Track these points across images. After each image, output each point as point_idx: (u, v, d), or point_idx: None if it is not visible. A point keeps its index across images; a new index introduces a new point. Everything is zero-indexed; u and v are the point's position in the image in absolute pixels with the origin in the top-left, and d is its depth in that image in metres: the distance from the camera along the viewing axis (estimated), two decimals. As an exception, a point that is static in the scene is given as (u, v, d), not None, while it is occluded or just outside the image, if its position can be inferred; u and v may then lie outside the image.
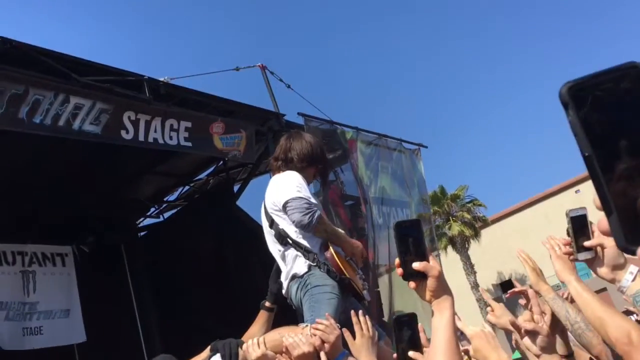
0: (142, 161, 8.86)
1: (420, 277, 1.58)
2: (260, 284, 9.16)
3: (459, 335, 2.92)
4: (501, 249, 34.10)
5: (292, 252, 3.75)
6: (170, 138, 7.35)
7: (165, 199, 10.59)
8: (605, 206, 0.66)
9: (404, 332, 2.01)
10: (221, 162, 9.71)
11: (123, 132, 7.02)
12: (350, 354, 2.46)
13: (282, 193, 3.76)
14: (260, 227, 9.53)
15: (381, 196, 10.04)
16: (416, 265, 1.56)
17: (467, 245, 33.20)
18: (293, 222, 3.67)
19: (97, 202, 9.41)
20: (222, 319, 9.35)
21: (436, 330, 1.56)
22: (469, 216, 33.79)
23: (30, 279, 8.51)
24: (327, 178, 4.29)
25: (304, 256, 3.67)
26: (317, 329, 2.54)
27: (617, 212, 0.65)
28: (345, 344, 2.48)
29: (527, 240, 33.79)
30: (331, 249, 3.68)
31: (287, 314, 3.90)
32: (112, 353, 9.32)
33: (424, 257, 1.57)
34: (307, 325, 2.75)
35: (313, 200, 3.73)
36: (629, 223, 0.64)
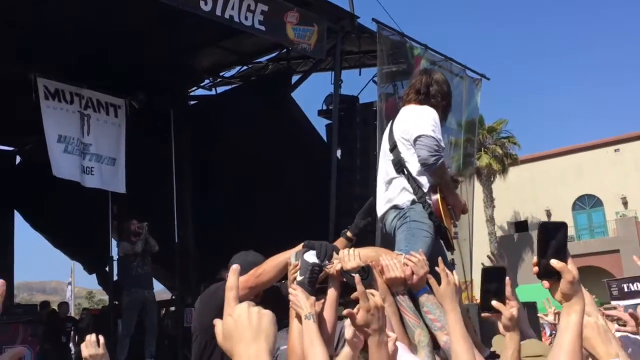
0: (210, 31, 8.77)
1: (555, 278, 1.63)
2: (296, 182, 9.41)
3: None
4: (524, 190, 34.06)
5: (402, 181, 3.78)
6: (246, 18, 7.30)
7: (221, 74, 10.61)
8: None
9: (491, 283, 2.11)
10: (284, 49, 9.64)
11: (202, 3, 6.98)
12: (430, 291, 2.57)
13: (417, 126, 3.73)
14: (308, 123, 9.66)
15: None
16: (554, 262, 1.61)
17: (492, 179, 33.13)
18: (419, 157, 3.68)
19: (154, 62, 9.46)
20: (249, 204, 9.65)
21: (562, 331, 1.63)
22: (500, 151, 33.49)
23: (86, 121, 8.75)
24: (447, 115, 4.25)
25: (413, 190, 3.71)
26: (410, 260, 2.65)
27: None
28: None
29: (553, 187, 33.75)
30: (439, 194, 3.73)
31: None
32: (145, 210, 9.69)
33: (563, 260, 1.63)
34: (401, 254, 2.86)
35: (442, 143, 3.73)
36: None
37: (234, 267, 1.32)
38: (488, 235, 31.43)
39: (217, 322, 1.28)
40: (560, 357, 1.58)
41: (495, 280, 2.13)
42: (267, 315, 1.25)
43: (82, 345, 2.90)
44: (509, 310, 2.06)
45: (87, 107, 8.81)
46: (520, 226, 35.01)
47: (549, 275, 1.63)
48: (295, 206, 9.20)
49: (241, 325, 1.22)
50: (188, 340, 8.62)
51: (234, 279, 1.31)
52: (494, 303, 2.07)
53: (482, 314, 2.13)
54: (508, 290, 2.11)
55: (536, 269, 1.65)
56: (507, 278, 2.14)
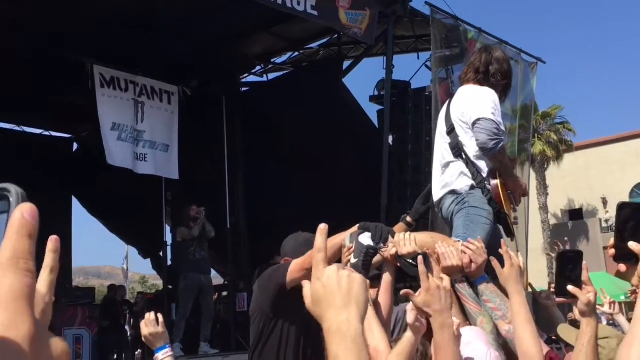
0: (261, 17, 8.76)
1: (633, 261, 1.56)
2: (348, 168, 9.36)
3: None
4: (579, 178, 33.24)
5: (459, 166, 3.62)
6: (298, 3, 7.27)
7: (272, 60, 10.61)
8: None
9: (567, 267, 2.04)
10: (335, 35, 9.58)
11: (254, -12, 6.98)
12: (491, 280, 2.50)
13: (476, 109, 3.58)
14: (359, 109, 9.60)
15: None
16: (632, 244, 1.53)
17: (545, 166, 32.41)
18: (477, 141, 3.55)
19: (207, 49, 9.52)
20: (301, 190, 9.65)
21: (638, 318, 1.54)
22: (555, 137, 32.67)
23: (140, 108, 8.87)
24: (507, 94, 4.05)
25: (472, 175, 3.58)
26: (468, 247, 2.57)
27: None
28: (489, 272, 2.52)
29: (610, 174, 32.79)
30: (498, 179, 3.60)
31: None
32: (197, 196, 9.81)
33: None
34: (459, 241, 2.78)
35: (502, 127, 3.59)
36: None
37: (322, 227, 1.19)
38: (541, 224, 30.80)
39: (306, 284, 1.19)
40: (634, 345, 1.49)
41: (571, 265, 2.05)
42: (358, 280, 1.16)
43: (142, 324, 2.94)
44: (586, 295, 1.98)
45: (142, 94, 8.93)
46: (575, 214, 34.19)
47: (627, 258, 1.56)
48: (347, 193, 9.17)
49: (330, 290, 1.14)
50: (240, 325, 8.80)
51: (322, 240, 1.19)
52: (570, 288, 1.99)
53: (557, 299, 2.05)
54: (585, 275, 2.03)
55: (612, 251, 1.58)
56: (585, 262, 2.05)
